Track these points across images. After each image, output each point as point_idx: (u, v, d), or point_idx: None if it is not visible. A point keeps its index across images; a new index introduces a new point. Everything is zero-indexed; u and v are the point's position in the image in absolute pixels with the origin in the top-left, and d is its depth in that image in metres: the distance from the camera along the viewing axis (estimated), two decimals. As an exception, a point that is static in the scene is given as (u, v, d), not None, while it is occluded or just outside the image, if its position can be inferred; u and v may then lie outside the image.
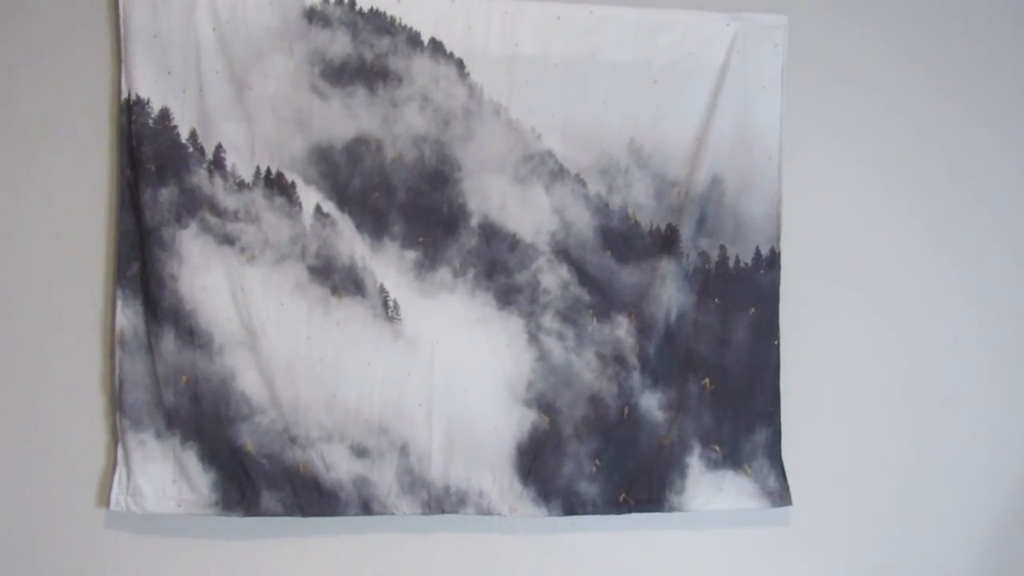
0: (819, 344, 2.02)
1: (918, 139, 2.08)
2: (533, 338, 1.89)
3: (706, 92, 1.93)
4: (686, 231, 1.91)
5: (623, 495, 1.91)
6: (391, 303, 1.85)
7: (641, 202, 1.92)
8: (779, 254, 1.95)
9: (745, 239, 1.94)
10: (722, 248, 1.94)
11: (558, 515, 1.89)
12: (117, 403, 1.79)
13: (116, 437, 1.80)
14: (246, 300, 1.81)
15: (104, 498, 1.81)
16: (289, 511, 1.82)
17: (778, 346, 1.95)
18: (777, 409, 1.95)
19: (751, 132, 1.95)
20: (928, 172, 2.08)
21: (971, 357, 2.08)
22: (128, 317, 1.80)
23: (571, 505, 1.89)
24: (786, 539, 2.02)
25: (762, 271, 1.94)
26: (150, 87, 1.79)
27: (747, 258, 1.94)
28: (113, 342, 1.80)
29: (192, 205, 1.80)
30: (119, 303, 1.79)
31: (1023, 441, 2.10)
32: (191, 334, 1.79)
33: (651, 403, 1.92)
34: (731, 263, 1.94)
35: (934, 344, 2.07)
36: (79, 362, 1.83)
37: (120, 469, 1.79)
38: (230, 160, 1.82)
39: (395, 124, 1.86)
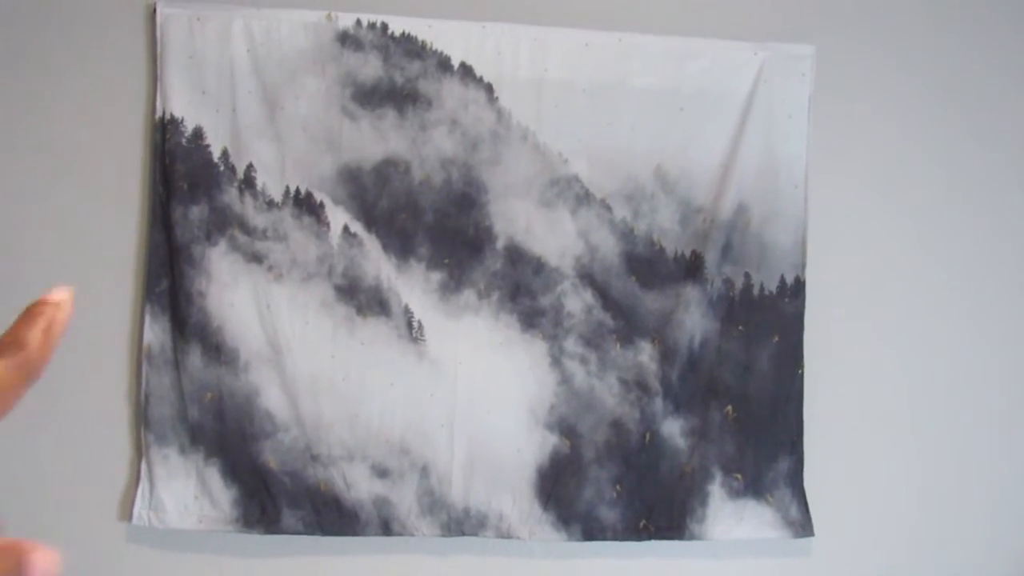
0: (843, 373, 2.01)
1: (943, 169, 2.07)
2: (556, 361, 1.89)
3: (733, 120, 1.94)
4: (711, 258, 1.92)
5: (643, 522, 1.90)
6: (415, 324, 1.86)
7: (666, 228, 1.92)
8: (804, 282, 1.95)
9: (770, 267, 1.94)
10: (747, 275, 1.93)
11: (577, 540, 1.88)
12: (142, 418, 1.81)
13: (140, 452, 1.82)
14: (272, 318, 1.82)
15: (127, 512, 1.82)
16: (309, 530, 1.82)
17: (802, 375, 1.94)
18: (800, 438, 1.94)
19: (777, 160, 1.95)
20: (953, 202, 2.07)
21: (997, 387, 2.06)
22: (156, 333, 1.81)
23: (591, 530, 1.88)
24: (808, 570, 2.00)
25: (787, 299, 1.94)
26: (184, 106, 1.82)
27: (772, 286, 1.94)
28: (140, 357, 1.82)
29: (222, 223, 1.83)
30: (147, 318, 1.81)
31: (1050, 476, 2.07)
32: (217, 351, 1.81)
33: (673, 429, 1.91)
34: (756, 291, 1.94)
35: (958, 373, 2.05)
36: (106, 376, 1.85)
37: (143, 483, 1.80)
38: (260, 179, 1.84)
39: (423, 147, 1.88)
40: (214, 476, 1.81)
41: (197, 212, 1.82)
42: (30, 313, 0.37)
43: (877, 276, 2.04)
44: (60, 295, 0.39)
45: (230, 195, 1.83)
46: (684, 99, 1.93)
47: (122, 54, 1.88)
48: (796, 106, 1.96)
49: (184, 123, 1.83)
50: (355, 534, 1.83)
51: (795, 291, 1.94)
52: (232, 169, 1.84)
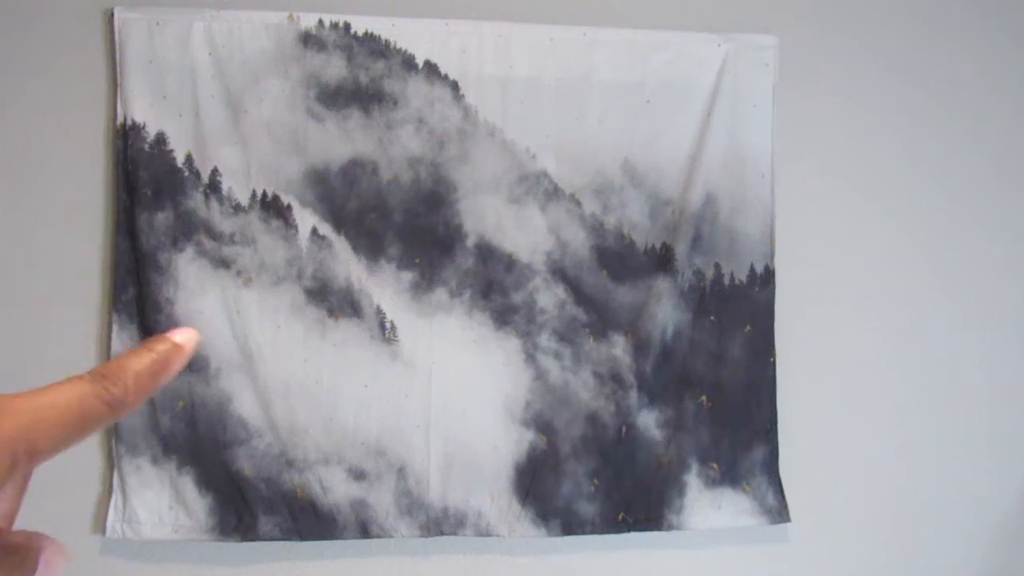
0: (815, 360, 2.03)
1: (909, 155, 2.10)
2: (530, 357, 1.89)
3: (699, 112, 1.95)
4: (681, 250, 1.92)
5: (621, 514, 1.90)
6: (388, 324, 1.85)
7: (636, 221, 1.93)
8: (774, 271, 1.96)
9: (739, 257, 1.95)
10: (717, 266, 1.95)
11: (557, 535, 1.88)
12: (113, 429, 1.78)
13: (112, 463, 1.79)
14: (243, 323, 1.81)
15: (100, 525, 1.80)
16: (287, 535, 1.81)
17: (774, 363, 1.96)
18: (774, 426, 1.96)
19: (744, 151, 1.96)
20: (919, 188, 2.10)
21: (967, 370, 2.09)
22: (124, 342, 1.79)
23: (570, 525, 1.88)
24: (785, 556, 2.02)
25: (757, 288, 1.95)
26: (146, 112, 1.80)
27: (742, 276, 1.95)
28: (109, 367, 1.79)
29: (188, 229, 1.81)
30: (115, 328, 1.79)
31: (1022, 453, 2.11)
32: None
33: (648, 421, 1.92)
34: (726, 281, 1.95)
35: (929, 358, 2.08)
36: (74, 387, 1.82)
37: (116, 495, 1.78)
38: (226, 184, 1.82)
39: (390, 146, 1.87)
40: (188, 485, 1.79)
41: (162, 218, 1.80)
42: (145, 347, 0.35)
43: (846, 263, 2.07)
44: (184, 336, 0.36)
45: (195, 200, 1.81)
46: (650, 92, 1.94)
47: (80, 60, 1.85)
48: (761, 96, 1.97)
49: (146, 128, 1.80)
50: (333, 538, 1.82)
51: (765, 280, 1.96)
52: (197, 174, 1.82)
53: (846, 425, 2.05)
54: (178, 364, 0.36)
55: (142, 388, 0.35)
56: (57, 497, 1.81)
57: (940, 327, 2.09)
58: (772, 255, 1.96)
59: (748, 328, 1.95)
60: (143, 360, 0.35)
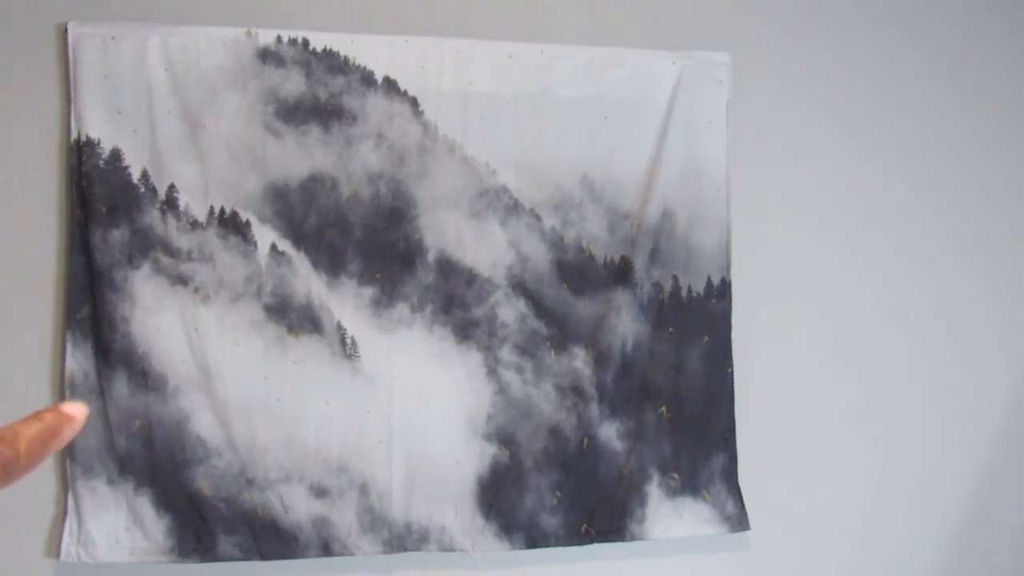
0: (772, 370, 2.07)
1: (861, 166, 2.15)
2: (492, 371, 1.90)
3: (655, 127, 1.99)
4: (639, 262, 1.95)
5: (584, 526, 1.91)
6: (349, 340, 1.85)
7: (595, 235, 1.95)
8: (730, 283, 2.00)
9: (697, 269, 1.99)
10: (675, 278, 1.98)
11: (520, 548, 1.89)
12: (67, 449, 1.75)
13: (66, 485, 1.75)
14: (201, 341, 1.79)
15: (54, 549, 1.76)
16: (247, 555, 1.79)
17: (732, 373, 1.99)
18: (733, 435, 1.99)
19: (699, 165, 2.00)
20: (872, 197, 2.15)
21: (924, 375, 2.15)
22: (78, 360, 1.76)
23: (533, 538, 1.89)
24: (746, 564, 2.05)
25: (714, 300, 1.99)
26: (100, 127, 1.78)
27: (699, 288, 1.99)
28: (63, 386, 1.76)
29: (144, 246, 1.79)
30: (69, 346, 1.76)
31: (981, 459, 2.16)
32: (144, 377, 1.76)
33: (610, 433, 1.94)
34: (684, 293, 1.98)
35: (886, 364, 2.13)
36: (27, 407, 1.77)
37: (71, 518, 1.74)
38: (183, 200, 1.81)
39: (350, 162, 1.87)
40: (145, 506, 1.76)
41: (117, 235, 1.77)
42: (36, 416, 0.37)
43: (801, 273, 2.11)
44: (74, 409, 0.38)
45: (152, 217, 1.79)
46: (607, 108, 1.97)
47: (33, 76, 1.82)
48: (714, 112, 2.01)
49: (101, 144, 1.78)
50: (295, 556, 1.80)
51: (721, 292, 1.99)
52: (153, 190, 1.80)
53: (804, 433, 2.09)
54: (69, 433, 0.38)
55: (33, 454, 0.36)
56: (9, 521, 1.77)
57: (898, 333, 2.14)
58: (728, 267, 2.00)
59: (706, 339, 1.98)
60: (33, 427, 0.37)
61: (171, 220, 1.80)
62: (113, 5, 1.85)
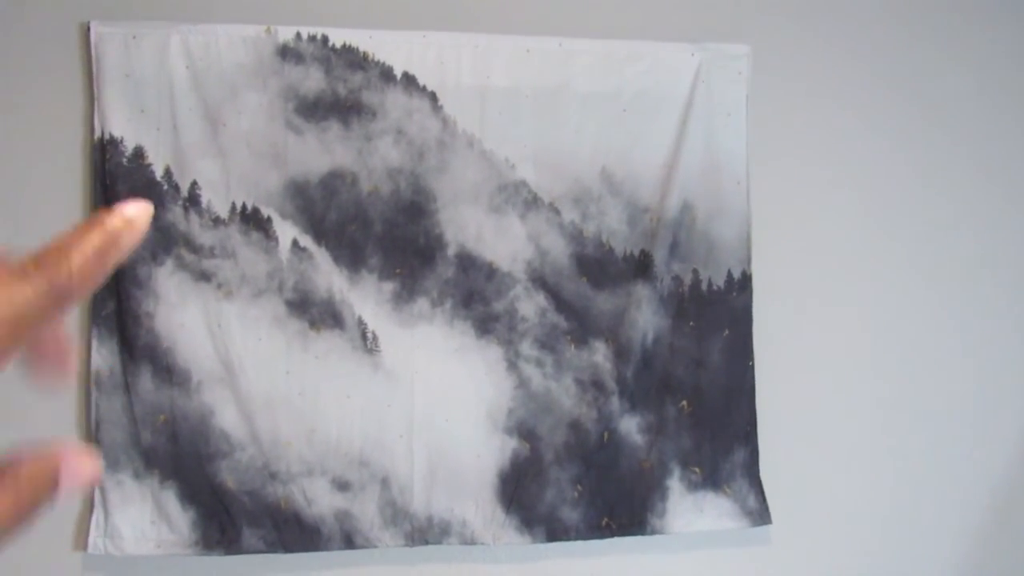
0: (793, 363, 2.06)
1: (882, 158, 2.14)
2: (512, 366, 1.90)
3: (674, 120, 1.98)
4: (659, 256, 1.95)
5: (605, 520, 1.92)
6: (370, 335, 1.86)
7: (614, 228, 1.95)
8: (751, 276, 1.99)
9: (717, 263, 1.98)
10: (695, 272, 1.97)
11: (541, 542, 1.89)
12: (94, 444, 1.77)
13: (93, 479, 1.78)
14: (224, 336, 1.80)
15: (81, 542, 1.79)
16: (271, 548, 1.80)
17: (753, 366, 1.98)
18: (754, 429, 1.98)
19: (719, 158, 1.99)
20: (894, 190, 2.14)
21: (945, 370, 2.13)
22: (104, 356, 1.78)
23: (554, 531, 1.90)
24: (768, 558, 2.04)
25: (735, 293, 1.98)
26: (124, 126, 1.80)
27: (720, 281, 1.98)
28: (89, 382, 1.78)
29: (167, 242, 1.80)
30: (94, 343, 1.78)
31: (1002, 453, 2.15)
32: (168, 372, 1.78)
33: (630, 427, 1.94)
34: (704, 286, 1.97)
35: (908, 359, 2.12)
36: (54, 403, 1.81)
37: (97, 511, 1.77)
38: (205, 196, 1.82)
39: (370, 157, 1.87)
40: (170, 499, 1.78)
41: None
42: (89, 224, 0.29)
43: (822, 266, 2.10)
44: (134, 210, 0.30)
45: (175, 214, 1.81)
46: (626, 101, 1.96)
47: (57, 75, 1.84)
48: (734, 104, 2.00)
49: (124, 142, 1.80)
50: (318, 549, 1.82)
51: (742, 285, 1.98)
52: (176, 187, 1.81)
53: (825, 427, 2.08)
54: (129, 242, 0.30)
55: (89, 273, 0.29)
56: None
57: (919, 328, 2.12)
58: (749, 260, 1.99)
59: (727, 333, 1.97)
60: (90, 240, 0.29)
61: (193, 217, 1.82)
62: (135, 4, 1.87)
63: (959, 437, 2.13)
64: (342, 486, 1.83)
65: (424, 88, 1.90)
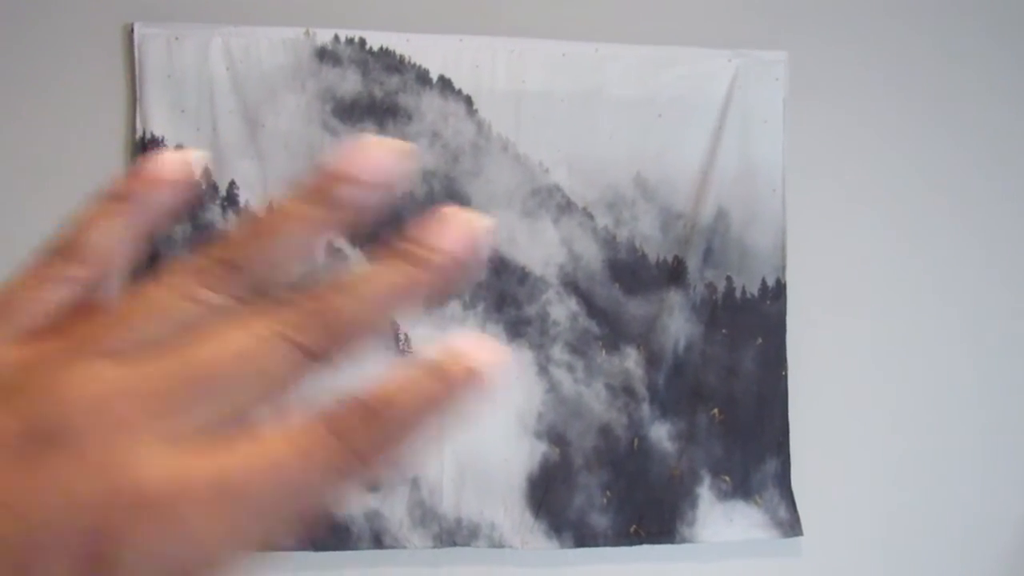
0: (827, 373, 2.04)
1: (919, 168, 2.11)
2: (543, 370, 1.90)
3: (709, 126, 1.97)
4: (693, 263, 1.94)
5: (634, 527, 1.91)
6: (402, 337, 1.87)
7: (648, 234, 1.95)
8: (785, 285, 1.97)
9: (751, 270, 1.96)
10: (729, 279, 1.96)
11: (569, 547, 1.89)
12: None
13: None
14: (258, 335, 1.82)
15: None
16: (300, 546, 1.82)
17: (786, 376, 1.96)
18: (786, 439, 1.96)
19: (754, 165, 1.98)
20: (930, 200, 2.11)
21: (982, 383, 2.09)
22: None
23: (582, 537, 1.89)
24: (797, 570, 2.02)
25: (768, 302, 1.97)
26: (164, 126, 1.82)
27: (753, 289, 1.97)
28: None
29: (205, 241, 1.82)
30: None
31: (1031, 468, 2.11)
32: (204, 369, 1.80)
33: (661, 434, 1.93)
34: (738, 294, 1.96)
35: (943, 371, 2.09)
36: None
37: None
38: (243, 196, 1.84)
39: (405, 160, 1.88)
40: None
41: (180, 231, 1.82)
42: (441, 217, 0.21)
43: (857, 276, 2.07)
44: (483, 221, 0.21)
45: (213, 213, 1.83)
46: (661, 107, 1.96)
47: (100, 75, 1.88)
48: (771, 111, 1.99)
49: (165, 142, 1.83)
50: (347, 548, 1.83)
51: (776, 293, 1.97)
52: (214, 187, 1.84)
53: (858, 438, 2.05)
54: (486, 249, 0.21)
55: (467, 262, 0.20)
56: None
57: (954, 340, 2.09)
58: (783, 268, 1.97)
59: (760, 341, 1.96)
60: (456, 232, 0.20)
61: (232, 216, 1.84)
62: (177, 6, 1.89)
63: (997, 451, 2.09)
64: (372, 486, 1.84)
65: (460, 92, 1.91)
